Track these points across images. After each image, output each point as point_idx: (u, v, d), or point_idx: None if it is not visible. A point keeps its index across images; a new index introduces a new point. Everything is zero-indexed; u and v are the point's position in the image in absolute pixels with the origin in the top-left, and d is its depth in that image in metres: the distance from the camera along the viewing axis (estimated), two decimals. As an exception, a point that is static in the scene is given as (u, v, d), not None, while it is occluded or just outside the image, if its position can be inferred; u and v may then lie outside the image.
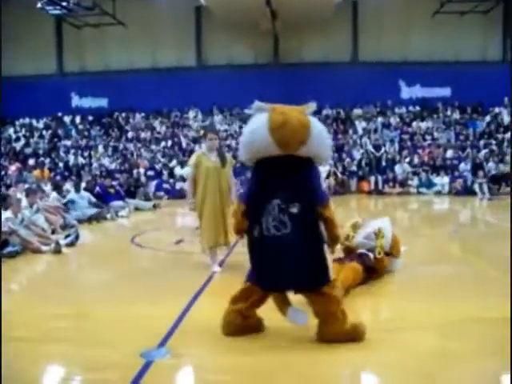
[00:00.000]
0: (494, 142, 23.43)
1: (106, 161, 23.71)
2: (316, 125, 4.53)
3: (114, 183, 16.86)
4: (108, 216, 13.65)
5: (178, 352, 4.14)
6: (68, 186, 16.16)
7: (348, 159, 22.44)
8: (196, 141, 24.74)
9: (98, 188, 15.65)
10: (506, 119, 25.02)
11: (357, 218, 7.23)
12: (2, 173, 22.60)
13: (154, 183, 20.77)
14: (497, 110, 25.70)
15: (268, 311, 4.64)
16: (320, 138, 4.50)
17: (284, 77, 25.79)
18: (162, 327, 4.68)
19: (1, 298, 5.45)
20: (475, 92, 25.21)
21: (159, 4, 26.65)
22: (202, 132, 25.10)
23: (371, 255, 6.45)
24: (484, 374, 3.85)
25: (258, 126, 4.45)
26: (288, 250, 4.29)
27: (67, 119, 27.77)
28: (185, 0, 25.99)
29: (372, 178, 21.22)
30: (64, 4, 23.33)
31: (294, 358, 4.11)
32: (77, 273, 7.80)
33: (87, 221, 12.84)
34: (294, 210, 4.29)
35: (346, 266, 5.88)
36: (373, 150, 22.65)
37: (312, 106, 4.62)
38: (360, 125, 25.24)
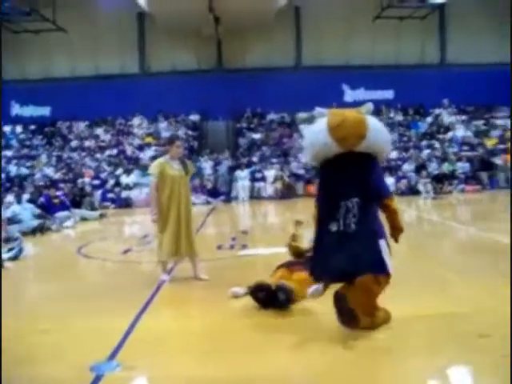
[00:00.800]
0: (436, 142, 23.98)
1: (49, 171, 23.22)
2: (373, 121, 4.80)
3: (59, 193, 16.53)
4: (53, 227, 13.37)
5: (128, 364, 4.09)
6: (10, 197, 15.77)
7: (295, 163, 22.58)
8: (142, 148, 24.53)
9: (42, 199, 15.32)
10: (447, 120, 25.68)
11: (300, 217, 7.24)
12: None
13: (99, 192, 20.47)
14: (437, 111, 26.36)
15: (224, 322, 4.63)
16: (378, 132, 4.76)
17: (228, 82, 25.80)
18: (112, 339, 4.62)
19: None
20: (416, 94, 25.87)
21: (101, 10, 26.31)
22: (146, 139, 24.94)
23: None
24: (429, 369, 3.93)
25: (319, 129, 4.80)
26: (359, 242, 4.63)
27: (7, 129, 27.08)
28: (127, 6, 25.70)
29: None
30: (-2, 7, 22.63)
31: (248, 366, 4.11)
32: (21, 287, 7.58)
33: (31, 233, 12.53)
34: (365, 205, 4.69)
35: (294, 278, 5.87)
36: (319, 153, 22.81)
37: (369, 105, 4.88)
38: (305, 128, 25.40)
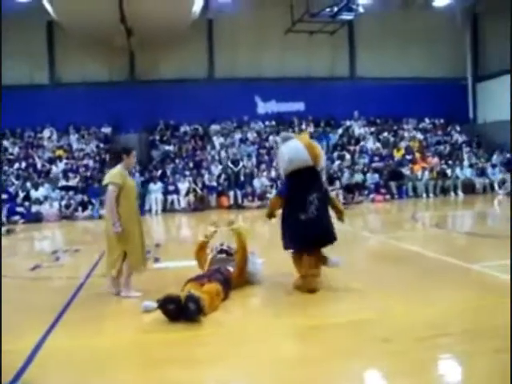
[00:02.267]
0: (346, 153, 24.62)
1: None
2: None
3: (-37, 208, 15.94)
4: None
5: (33, 384, 4.00)
6: None
7: (207, 175, 22.62)
8: (52, 161, 23.91)
9: None
10: (357, 132, 26.47)
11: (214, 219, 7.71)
12: None
13: (7, 207, 19.79)
14: (348, 123, 27.12)
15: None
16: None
17: (140, 94, 25.57)
18: (18, 359, 4.51)
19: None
20: (327, 106, 26.55)
21: (7, 17, 25.50)
22: (57, 152, 24.33)
23: (230, 268, 6.70)
24: (341, 373, 4.07)
25: (297, 148, 6.91)
26: (320, 223, 6.87)
27: None
28: (36, 14, 25.02)
29: (231, 193, 21.51)
30: None
31: (160, 381, 4.11)
32: None
33: None
34: (321, 199, 6.92)
35: (205, 289, 5.93)
36: (231, 165, 23.01)
37: (307, 133, 7.75)
38: (218, 140, 25.57)
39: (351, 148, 25.24)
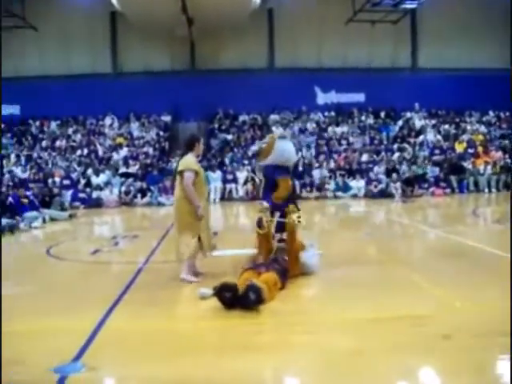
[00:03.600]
0: (406, 145, 24.21)
1: (18, 170, 22.94)
2: None
3: (28, 193, 16.36)
4: (22, 227, 13.23)
5: (93, 365, 4.06)
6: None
7: (266, 165, 22.55)
8: (113, 149, 24.36)
9: (10, 198, 15.11)
10: (417, 124, 25.96)
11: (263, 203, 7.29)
12: None
13: (69, 192, 20.26)
14: (408, 114, 26.62)
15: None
16: None
17: (201, 83, 25.73)
18: (77, 340, 4.58)
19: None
20: (388, 98, 26.08)
21: (73, 8, 26.07)
22: (117, 140, 24.76)
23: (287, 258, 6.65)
24: (399, 369, 3.98)
25: (292, 149, 8.45)
26: None
27: (-25, 127, 26.72)
28: (100, 5, 25.55)
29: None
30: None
31: (214, 367, 4.11)
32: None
33: (-1, 233, 12.37)
34: None
35: (263, 278, 5.90)
36: (290, 155, 22.88)
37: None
38: (277, 130, 25.48)
39: (411, 140, 24.79)
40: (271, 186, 7.86)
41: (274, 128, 25.47)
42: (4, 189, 19.06)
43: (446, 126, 25.83)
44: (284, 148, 8.05)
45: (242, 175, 21.61)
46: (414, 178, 21.11)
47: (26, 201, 15.10)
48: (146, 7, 22.06)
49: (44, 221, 14.60)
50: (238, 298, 5.38)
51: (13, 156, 24.16)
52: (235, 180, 21.52)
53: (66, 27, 26.44)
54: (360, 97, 27.47)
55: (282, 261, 6.60)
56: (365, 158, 23.45)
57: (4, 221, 12.85)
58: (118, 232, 13.43)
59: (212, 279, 6.27)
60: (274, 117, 26.27)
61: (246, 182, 21.28)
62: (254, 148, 8.00)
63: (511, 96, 22.86)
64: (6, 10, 22.83)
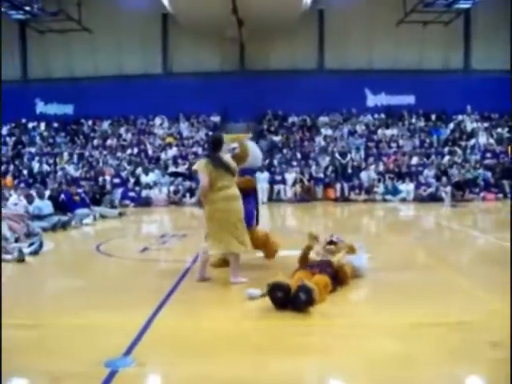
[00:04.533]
0: (457, 148, 23.80)
1: (71, 168, 23.44)
2: None
3: (80, 191, 16.69)
4: (73, 224, 13.49)
5: (143, 361, 4.11)
6: (32, 193, 15.92)
7: (314, 166, 22.55)
8: (162, 148, 24.65)
9: (62, 195, 15.44)
10: (470, 126, 25.49)
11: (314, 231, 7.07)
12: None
13: (119, 191, 20.59)
14: (460, 117, 26.16)
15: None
16: None
17: (250, 84, 25.85)
18: (128, 336, 4.65)
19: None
20: (439, 100, 25.70)
21: (126, 10, 26.50)
22: (167, 139, 25.05)
23: (334, 259, 6.55)
24: (446, 377, 3.91)
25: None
26: None
27: (31, 126, 27.41)
28: (151, 7, 25.91)
29: (338, 185, 21.33)
30: (28, 9, 23.04)
31: (261, 368, 4.12)
32: (40, 282, 7.64)
33: (51, 229, 12.64)
34: None
35: (315, 279, 5.88)
36: (339, 158, 22.83)
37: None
38: (326, 132, 25.43)
39: (462, 143, 24.35)
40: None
41: (322, 129, 25.41)
42: (56, 186, 19.53)
43: (499, 130, 25.27)
44: (256, 150, 8.28)
45: (290, 176, 21.60)
46: (464, 182, 20.73)
47: (77, 198, 15.41)
48: (196, 9, 22.28)
49: (94, 218, 14.86)
50: (289, 299, 5.36)
51: (66, 154, 24.70)
52: (283, 181, 21.52)
53: (118, 29, 26.91)
54: (410, 99, 27.17)
55: (328, 268, 6.51)
56: (414, 161, 23.15)
57: (57, 217, 13.15)
58: (167, 231, 13.56)
59: (260, 280, 6.26)
60: (323, 118, 26.20)
61: (294, 184, 21.28)
62: (228, 155, 7.30)
63: None
64: (63, 13, 23.43)
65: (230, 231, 6.72)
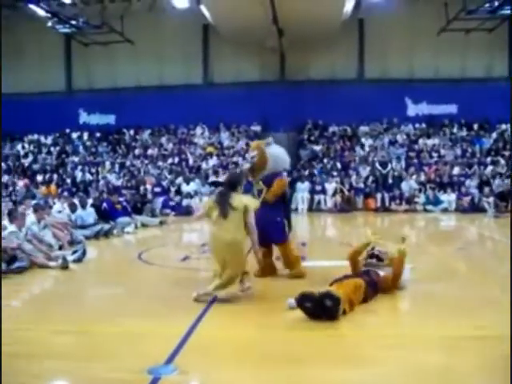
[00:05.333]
0: (500, 158, 23.39)
1: (112, 177, 23.80)
2: None
3: (121, 199, 16.91)
4: (115, 232, 13.69)
5: (185, 369, 4.15)
6: (75, 202, 16.21)
7: (355, 176, 22.44)
8: (203, 158, 24.83)
9: (105, 204, 15.69)
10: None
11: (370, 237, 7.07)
12: (10, 188, 22.74)
13: (160, 200, 20.82)
14: (503, 126, 25.67)
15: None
16: None
17: (290, 94, 25.88)
18: (169, 344, 4.70)
19: (0, 313, 5.42)
20: (481, 109, 25.24)
21: (167, 22, 26.81)
22: (208, 149, 25.23)
23: (381, 273, 6.53)
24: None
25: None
26: None
27: (75, 135, 27.93)
28: (192, 18, 26.14)
29: (378, 195, 21.19)
30: (73, 22, 23.62)
31: (300, 378, 4.12)
32: (83, 289, 7.78)
33: (94, 236, 12.85)
34: None
35: (345, 282, 5.88)
36: (379, 167, 22.68)
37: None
38: (366, 142, 25.28)
39: (506, 153, 23.91)
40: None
41: (363, 139, 25.26)
42: (97, 194, 19.86)
43: (545, 139, 24.75)
44: (276, 154, 7.91)
45: (330, 186, 21.55)
46: (508, 192, 20.33)
47: (119, 207, 15.62)
48: (237, 19, 22.42)
49: (136, 226, 15.04)
50: (319, 307, 5.36)
51: (108, 163, 25.08)
52: (324, 191, 21.48)
53: (160, 40, 27.26)
54: (452, 108, 26.79)
55: (374, 274, 6.51)
56: (456, 171, 22.85)
57: (99, 226, 13.37)
58: (207, 240, 13.62)
59: (301, 290, 6.26)
60: (363, 128, 26.06)
61: (334, 194, 21.21)
62: (247, 165, 7.13)
63: None
64: (106, 26, 23.93)
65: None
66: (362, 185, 21.89)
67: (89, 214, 13.77)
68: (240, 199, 6.48)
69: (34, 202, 14.78)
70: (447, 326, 5.36)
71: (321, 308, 5.34)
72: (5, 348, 4.53)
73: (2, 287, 6.86)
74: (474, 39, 25.40)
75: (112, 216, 14.80)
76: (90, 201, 16.01)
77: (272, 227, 7.43)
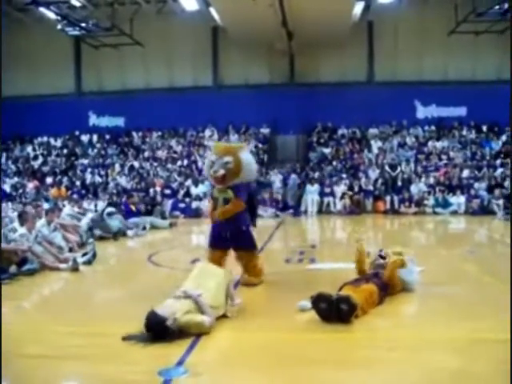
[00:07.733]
0: (510, 161, 23.28)
1: (122, 179, 23.87)
2: None
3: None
4: (129, 234, 13.83)
5: (196, 371, 4.16)
6: (85, 204, 16.32)
7: (364, 179, 22.41)
8: (212, 160, 24.83)
9: (122, 206, 15.85)
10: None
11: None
12: (20, 191, 22.86)
13: (170, 202, 20.88)
14: (513, 129, 25.57)
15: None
16: None
17: (300, 97, 25.89)
18: (179, 346, 4.71)
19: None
20: (491, 111, 25.11)
21: (176, 24, 26.89)
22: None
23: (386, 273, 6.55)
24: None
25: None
26: None
27: (84, 138, 28.02)
28: (202, 20, 26.21)
29: (388, 198, 21.16)
30: (83, 25, 23.71)
31: (312, 381, 4.12)
32: (93, 290, 7.82)
33: (113, 237, 13.12)
34: None
35: (360, 288, 5.89)
36: (389, 170, 22.65)
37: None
38: (376, 144, 25.24)
39: (515, 156, 23.81)
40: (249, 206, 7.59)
41: (372, 142, 25.24)
42: (108, 196, 19.96)
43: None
44: (249, 161, 7.38)
45: (339, 189, 21.53)
46: (518, 194, 20.26)
47: (134, 208, 15.76)
48: (246, 22, 22.42)
49: (144, 228, 15.10)
50: (333, 310, 5.37)
51: (117, 166, 25.15)
52: (333, 194, 21.46)
53: (169, 43, 27.34)
54: (462, 110, 26.69)
55: (383, 275, 6.52)
56: (466, 173, 22.76)
57: (116, 227, 13.58)
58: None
59: (310, 293, 6.26)
60: (372, 131, 26.01)
61: (343, 196, 21.19)
62: (220, 172, 7.10)
63: None
64: (116, 28, 24.01)
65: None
66: (371, 187, 21.84)
67: (114, 220, 14.03)
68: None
69: (46, 204, 14.89)
70: (460, 328, 5.35)
71: (336, 311, 5.36)
72: (17, 350, 4.58)
73: (14, 289, 6.91)
74: (484, 41, 25.32)
75: (126, 218, 14.99)
76: (102, 203, 16.15)
77: (241, 235, 7.51)
